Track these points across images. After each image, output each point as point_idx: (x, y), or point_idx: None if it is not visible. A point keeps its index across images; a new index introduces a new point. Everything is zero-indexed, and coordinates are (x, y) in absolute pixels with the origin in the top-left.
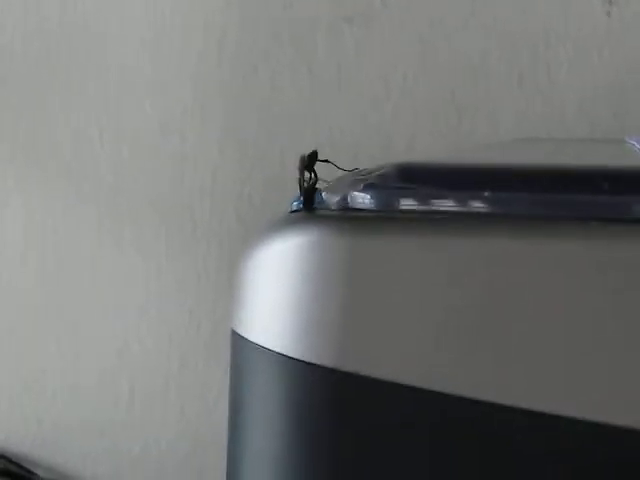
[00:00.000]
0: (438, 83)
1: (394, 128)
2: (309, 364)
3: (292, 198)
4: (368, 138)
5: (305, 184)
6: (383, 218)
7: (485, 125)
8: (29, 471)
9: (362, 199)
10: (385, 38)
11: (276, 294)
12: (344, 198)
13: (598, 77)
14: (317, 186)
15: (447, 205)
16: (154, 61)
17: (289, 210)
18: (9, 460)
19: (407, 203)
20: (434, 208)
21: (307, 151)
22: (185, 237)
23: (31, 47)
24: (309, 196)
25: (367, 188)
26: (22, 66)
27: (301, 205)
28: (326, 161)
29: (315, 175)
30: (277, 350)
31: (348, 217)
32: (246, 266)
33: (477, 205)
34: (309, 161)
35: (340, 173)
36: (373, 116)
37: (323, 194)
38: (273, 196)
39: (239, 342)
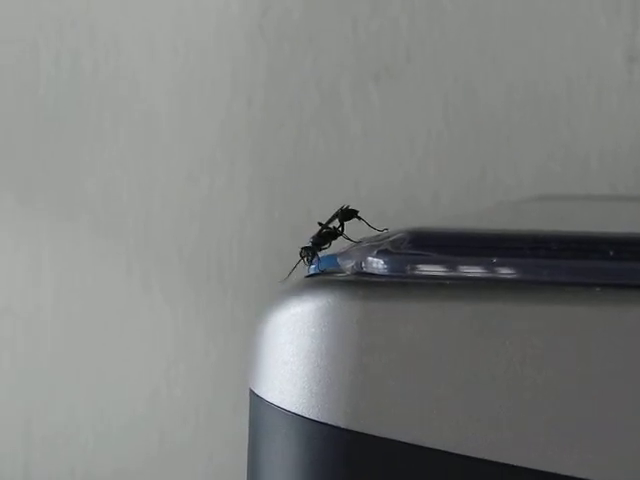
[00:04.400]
0: (462, 138)
1: (419, 183)
2: (323, 424)
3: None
4: (393, 193)
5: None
6: (396, 284)
7: (508, 178)
8: None
9: (376, 264)
10: (410, 93)
11: (291, 356)
12: (359, 263)
13: (619, 131)
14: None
15: (459, 271)
16: (183, 113)
17: (306, 274)
18: None
19: (420, 269)
20: (446, 274)
21: (329, 206)
22: (213, 287)
23: (63, 101)
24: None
25: (381, 254)
26: (53, 120)
27: (317, 270)
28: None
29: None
30: (292, 410)
31: (361, 282)
32: (262, 328)
33: (488, 271)
34: (343, 216)
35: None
36: (398, 171)
37: (338, 259)
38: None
39: (256, 401)
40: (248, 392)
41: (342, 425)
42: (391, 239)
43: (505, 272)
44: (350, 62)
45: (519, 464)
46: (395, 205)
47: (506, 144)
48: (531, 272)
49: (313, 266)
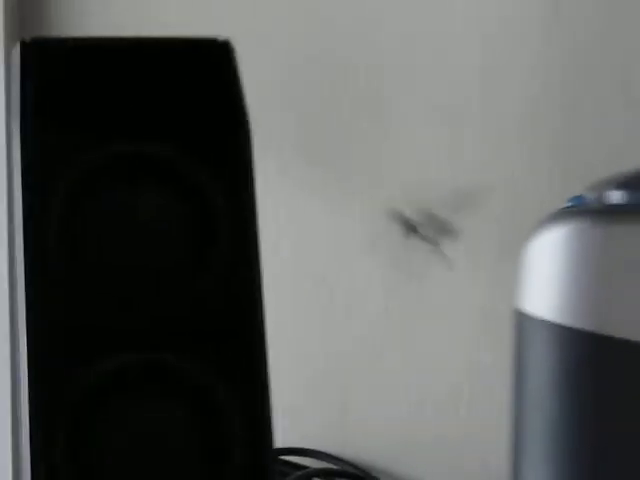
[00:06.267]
0: None
1: None
2: (574, 329)
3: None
4: None
5: None
6: (632, 212)
7: None
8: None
9: (617, 196)
10: None
11: (550, 274)
12: (602, 196)
13: None
14: None
15: None
16: (484, 94)
17: (563, 207)
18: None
19: None
20: None
21: None
22: None
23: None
24: None
25: (620, 187)
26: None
27: (571, 203)
28: None
29: None
30: (551, 319)
31: (604, 211)
32: (527, 253)
33: None
34: None
35: None
36: None
37: (585, 195)
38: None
39: (520, 317)
40: None
41: (589, 329)
42: (631, 174)
43: None
44: None
45: None
46: None
47: None
48: None
49: (569, 202)
